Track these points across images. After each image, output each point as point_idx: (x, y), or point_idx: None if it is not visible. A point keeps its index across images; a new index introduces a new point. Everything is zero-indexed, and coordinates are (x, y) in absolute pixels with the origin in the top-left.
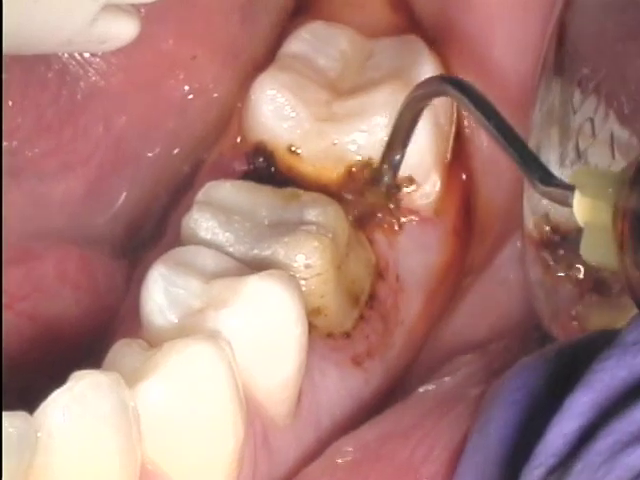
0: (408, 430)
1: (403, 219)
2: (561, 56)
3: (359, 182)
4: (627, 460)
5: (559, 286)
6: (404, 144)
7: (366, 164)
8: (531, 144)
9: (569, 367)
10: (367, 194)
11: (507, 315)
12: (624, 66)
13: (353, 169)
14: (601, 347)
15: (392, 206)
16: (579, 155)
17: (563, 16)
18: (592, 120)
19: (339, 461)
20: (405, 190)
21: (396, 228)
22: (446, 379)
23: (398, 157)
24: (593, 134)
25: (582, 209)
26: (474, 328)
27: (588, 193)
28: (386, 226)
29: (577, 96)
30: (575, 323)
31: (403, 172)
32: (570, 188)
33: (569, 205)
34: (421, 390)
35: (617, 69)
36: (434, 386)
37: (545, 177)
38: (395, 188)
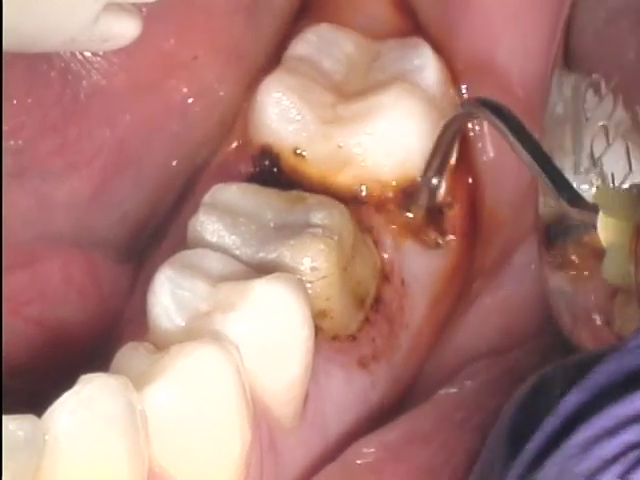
0: (429, 433)
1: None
2: (572, 62)
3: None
4: (598, 452)
5: (582, 292)
6: (443, 167)
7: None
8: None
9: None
10: (411, 210)
11: (524, 321)
12: (637, 71)
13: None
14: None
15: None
16: (594, 163)
17: (574, 22)
18: (606, 127)
19: (358, 462)
20: (447, 213)
21: (440, 242)
22: (467, 382)
23: (436, 180)
24: (607, 141)
25: (605, 229)
26: (486, 333)
27: (611, 214)
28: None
29: (589, 102)
30: (604, 328)
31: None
32: (596, 210)
33: (594, 226)
34: (442, 392)
35: (631, 74)
36: (455, 389)
37: (573, 198)
38: (437, 211)
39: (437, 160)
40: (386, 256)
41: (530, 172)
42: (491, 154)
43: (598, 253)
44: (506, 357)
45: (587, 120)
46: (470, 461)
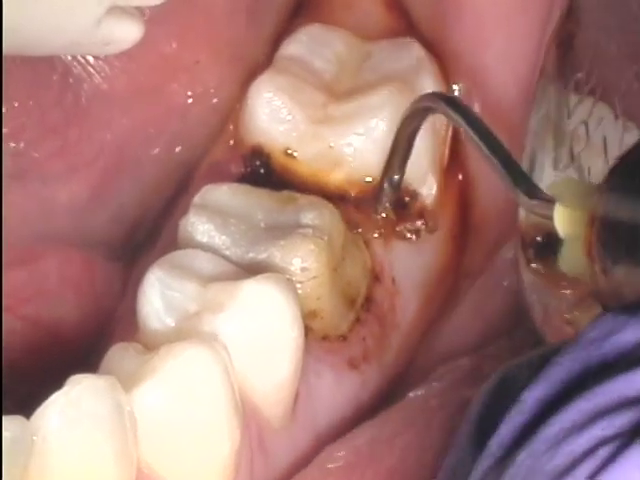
0: (397, 435)
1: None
2: (559, 62)
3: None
4: (568, 448)
5: (552, 291)
6: (403, 163)
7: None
8: (527, 149)
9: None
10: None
11: (501, 319)
12: (617, 70)
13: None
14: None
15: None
16: (572, 158)
17: (564, 25)
18: (586, 124)
19: (330, 466)
20: (408, 201)
21: (410, 236)
22: (434, 384)
23: (397, 177)
24: (587, 137)
25: (562, 220)
26: (469, 332)
27: (567, 204)
28: (384, 230)
29: (572, 100)
30: (569, 328)
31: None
32: (552, 201)
33: (551, 218)
34: (411, 395)
35: (611, 73)
36: (423, 391)
37: (531, 190)
38: (399, 205)
39: (397, 157)
40: (377, 255)
41: (488, 165)
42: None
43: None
44: (477, 354)
45: (569, 117)
46: (439, 460)
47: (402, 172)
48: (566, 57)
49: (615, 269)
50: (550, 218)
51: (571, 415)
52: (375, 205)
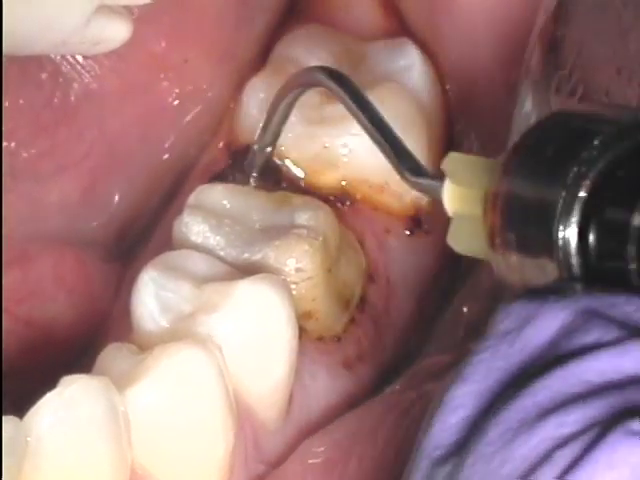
0: (375, 429)
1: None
2: (543, 61)
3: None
4: (521, 451)
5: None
6: (276, 134)
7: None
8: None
9: None
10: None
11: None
12: (599, 69)
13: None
14: None
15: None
16: None
17: (550, 25)
18: None
19: (310, 462)
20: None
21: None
22: (413, 378)
23: (269, 149)
24: None
25: (451, 198)
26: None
27: (459, 181)
28: (377, 229)
29: (554, 98)
30: None
31: (394, 175)
32: (440, 179)
33: (439, 196)
34: (387, 390)
35: (593, 72)
36: (399, 386)
37: (415, 168)
38: (273, 171)
39: (271, 126)
40: (372, 256)
41: (373, 142)
42: (478, 154)
43: None
44: (455, 351)
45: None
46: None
47: (274, 144)
48: (550, 56)
49: (519, 251)
50: (438, 196)
51: (514, 414)
52: (247, 173)
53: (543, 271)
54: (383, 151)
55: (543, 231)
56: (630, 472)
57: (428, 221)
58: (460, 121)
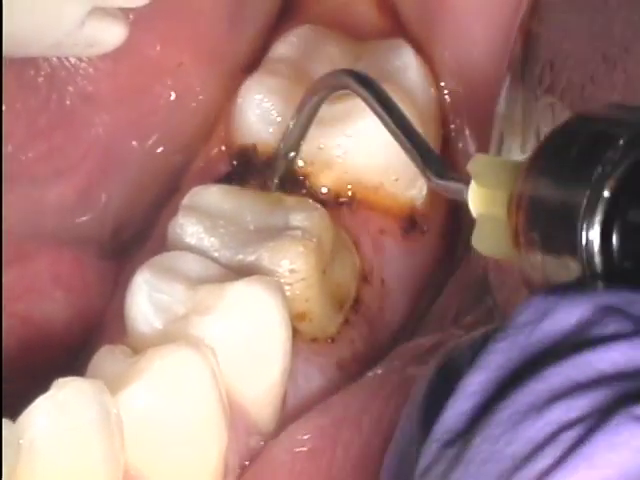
0: (359, 415)
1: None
2: (525, 51)
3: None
4: (527, 433)
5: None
6: (300, 138)
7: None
8: (495, 132)
9: None
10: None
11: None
12: (582, 55)
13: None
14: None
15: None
16: (539, 139)
17: (529, 20)
18: (553, 104)
19: (297, 450)
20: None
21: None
22: (395, 362)
23: (293, 153)
24: (553, 119)
25: (477, 200)
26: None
27: (484, 183)
28: (372, 230)
29: (541, 86)
30: None
31: (389, 176)
32: (464, 181)
33: (463, 198)
34: (370, 374)
35: (574, 58)
36: (381, 370)
37: (440, 170)
38: (295, 181)
39: (297, 131)
40: (366, 257)
41: (399, 145)
42: (472, 154)
43: None
44: (437, 334)
45: (537, 100)
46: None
47: (297, 148)
48: (529, 47)
49: (543, 251)
50: (462, 198)
51: (525, 398)
52: (270, 176)
53: (566, 270)
54: (409, 154)
55: (567, 231)
56: (632, 455)
57: (423, 222)
58: (455, 121)
